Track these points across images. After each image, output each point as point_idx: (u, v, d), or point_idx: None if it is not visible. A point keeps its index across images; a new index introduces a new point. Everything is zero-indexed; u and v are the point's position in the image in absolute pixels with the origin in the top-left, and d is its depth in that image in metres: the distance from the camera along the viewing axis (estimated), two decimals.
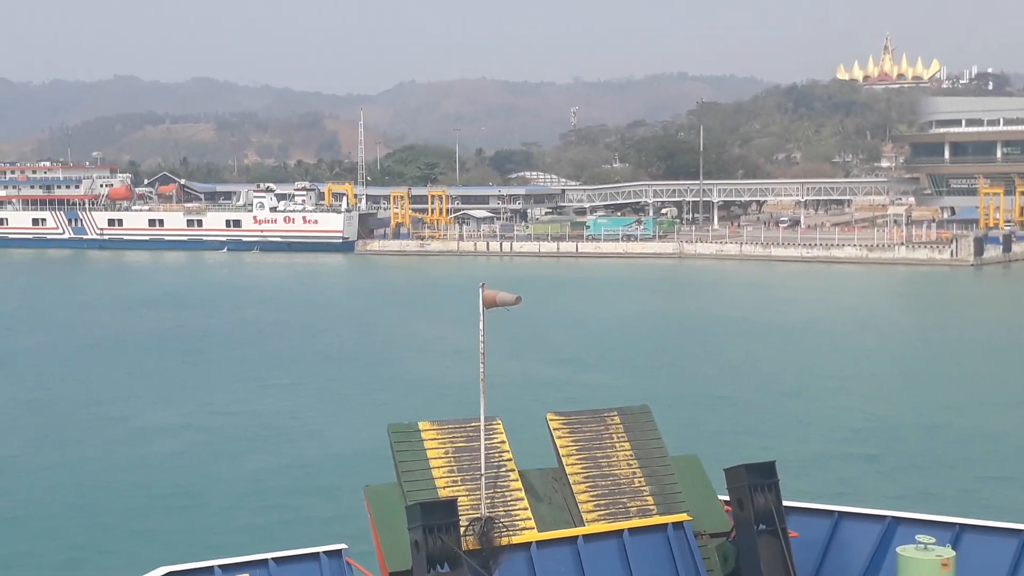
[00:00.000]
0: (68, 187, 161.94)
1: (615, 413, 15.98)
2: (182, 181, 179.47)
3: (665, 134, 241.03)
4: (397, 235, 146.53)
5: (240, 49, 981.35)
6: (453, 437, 14.93)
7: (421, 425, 14.99)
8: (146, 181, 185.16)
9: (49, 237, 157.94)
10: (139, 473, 36.38)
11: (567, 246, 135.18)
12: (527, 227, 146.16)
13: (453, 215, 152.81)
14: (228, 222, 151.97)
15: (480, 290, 14.31)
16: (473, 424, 14.92)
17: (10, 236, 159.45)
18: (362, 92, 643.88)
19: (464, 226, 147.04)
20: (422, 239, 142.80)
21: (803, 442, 40.41)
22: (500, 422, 15.19)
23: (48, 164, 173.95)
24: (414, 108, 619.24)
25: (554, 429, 15.46)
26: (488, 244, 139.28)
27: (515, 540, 13.93)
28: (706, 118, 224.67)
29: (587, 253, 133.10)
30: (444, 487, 14.38)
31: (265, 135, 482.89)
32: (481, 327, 14.33)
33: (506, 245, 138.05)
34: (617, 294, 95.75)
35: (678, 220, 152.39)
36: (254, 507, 32.88)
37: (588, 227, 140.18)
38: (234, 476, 36.25)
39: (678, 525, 14.65)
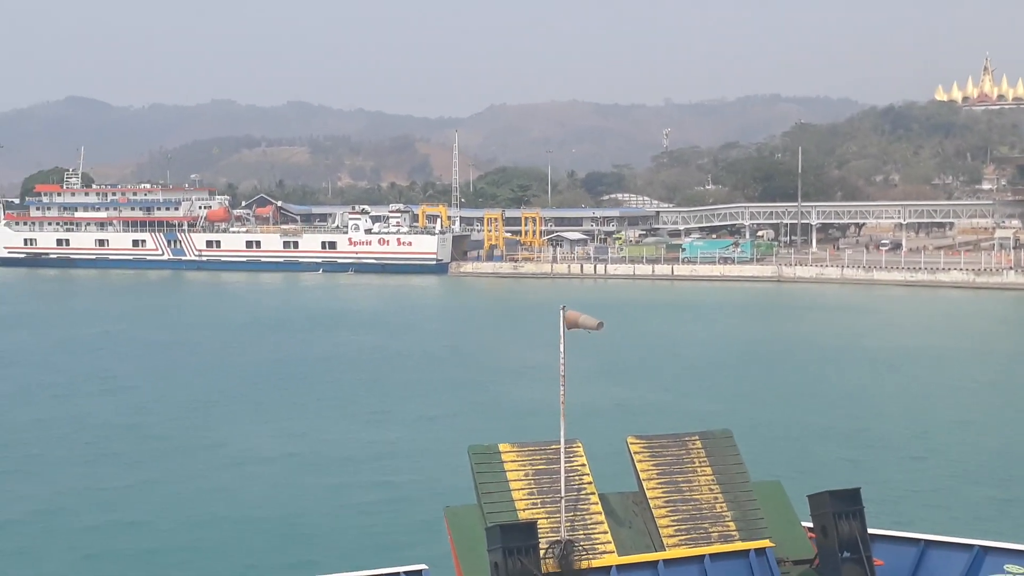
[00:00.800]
0: (168, 209, 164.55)
1: (696, 437, 15.98)
2: (279, 203, 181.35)
3: (759, 156, 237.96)
4: (491, 257, 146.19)
5: (334, 74, 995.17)
6: (533, 459, 15.00)
7: (501, 447, 15.07)
8: (243, 203, 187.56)
9: (149, 258, 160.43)
10: (232, 495, 36.39)
11: (663, 268, 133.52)
12: (621, 249, 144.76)
13: (546, 237, 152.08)
14: (324, 244, 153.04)
15: (561, 312, 14.41)
16: (553, 447, 14.96)
17: (111, 257, 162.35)
18: (453, 115, 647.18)
19: (558, 248, 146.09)
20: (516, 261, 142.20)
21: (893, 470, 39.08)
22: (580, 445, 15.25)
23: (148, 186, 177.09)
24: (504, 131, 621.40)
25: (635, 453, 15.49)
26: (582, 266, 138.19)
27: (595, 564, 13.93)
28: (801, 139, 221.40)
29: (683, 276, 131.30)
30: (524, 509, 14.43)
31: (358, 158, 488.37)
32: (561, 349, 14.40)
33: (600, 267, 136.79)
34: (712, 317, 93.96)
35: (776, 243, 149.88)
36: (336, 527, 33.01)
37: (684, 249, 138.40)
38: (320, 497, 36.15)
39: (760, 551, 14.47)
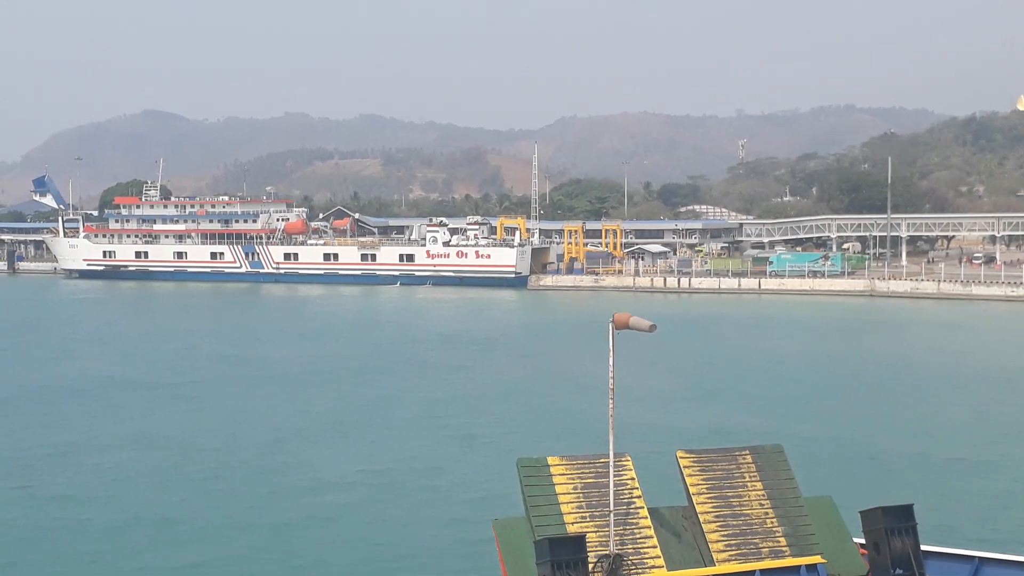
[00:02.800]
0: (246, 221, 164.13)
1: (747, 452, 15.85)
2: (356, 215, 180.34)
3: (839, 166, 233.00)
4: (571, 270, 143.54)
5: (406, 87, 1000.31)
6: (582, 473, 14.95)
7: (550, 460, 15.05)
8: (321, 215, 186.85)
9: (227, 271, 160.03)
10: (302, 509, 35.45)
11: (749, 282, 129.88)
12: (705, 263, 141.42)
13: (627, 250, 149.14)
14: (401, 256, 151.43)
15: (610, 326, 14.31)
16: (602, 460, 14.92)
17: (189, 269, 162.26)
18: (523, 127, 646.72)
19: (640, 261, 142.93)
20: (596, 274, 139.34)
21: (950, 487, 37.62)
22: (629, 458, 15.18)
23: (227, 198, 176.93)
24: (575, 143, 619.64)
25: (684, 467, 15.41)
26: (665, 280, 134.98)
27: None
28: (882, 150, 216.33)
29: (770, 290, 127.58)
30: (572, 523, 14.37)
31: (430, 170, 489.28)
32: (610, 363, 14.32)
33: (684, 281, 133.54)
34: (800, 333, 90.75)
35: (866, 256, 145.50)
36: (387, 538, 32.99)
37: (771, 262, 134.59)
38: (375, 508, 36.20)
39: (812, 567, 14.24)
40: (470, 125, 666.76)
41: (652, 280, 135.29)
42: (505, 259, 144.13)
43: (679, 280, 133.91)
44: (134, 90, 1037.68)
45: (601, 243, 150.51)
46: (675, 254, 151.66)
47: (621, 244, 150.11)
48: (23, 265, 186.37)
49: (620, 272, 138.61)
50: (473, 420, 51.31)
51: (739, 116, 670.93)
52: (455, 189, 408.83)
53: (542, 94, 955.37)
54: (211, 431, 48.90)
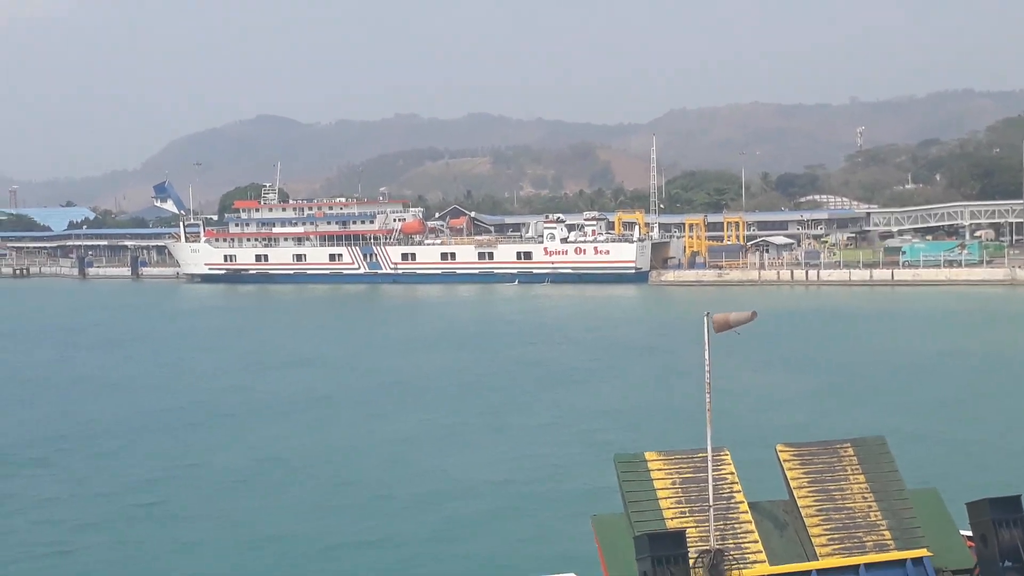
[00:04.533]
0: (363, 222, 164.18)
1: (848, 445, 15.59)
2: (472, 214, 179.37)
3: (964, 152, 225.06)
4: (692, 264, 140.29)
5: (513, 85, 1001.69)
6: (680, 467, 14.82)
7: (647, 455, 14.95)
8: (437, 215, 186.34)
9: (345, 272, 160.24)
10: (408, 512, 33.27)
11: (881, 273, 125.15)
12: (834, 254, 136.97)
13: (750, 242, 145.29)
14: (519, 254, 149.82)
15: (705, 319, 14.18)
16: (700, 455, 14.75)
17: (308, 272, 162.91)
18: (632, 121, 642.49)
19: (765, 254, 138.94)
20: (720, 268, 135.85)
21: None
22: (728, 452, 15.02)
23: (344, 200, 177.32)
24: (684, 135, 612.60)
25: (784, 460, 15.22)
26: (792, 272, 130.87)
27: (746, 573, 13.73)
28: (1006, 134, 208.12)
29: (904, 281, 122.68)
30: (672, 518, 14.27)
31: (539, 166, 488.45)
32: (706, 356, 14.17)
33: (812, 273, 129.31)
34: (931, 325, 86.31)
35: (1002, 243, 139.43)
36: (484, 533, 32.83)
37: (904, 252, 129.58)
38: (475, 504, 36.01)
39: (918, 561, 14.06)
40: (578, 121, 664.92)
41: (779, 273, 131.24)
42: (625, 254, 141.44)
43: (807, 272, 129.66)
44: (248, 96, 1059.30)
45: (723, 236, 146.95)
46: (799, 245, 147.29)
47: (744, 236, 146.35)
48: (146, 270, 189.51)
49: (745, 265, 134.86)
50: (595, 422, 49.34)
51: (853, 103, 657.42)
52: (565, 185, 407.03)
53: (651, 88, 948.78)
54: (337, 443, 47.51)
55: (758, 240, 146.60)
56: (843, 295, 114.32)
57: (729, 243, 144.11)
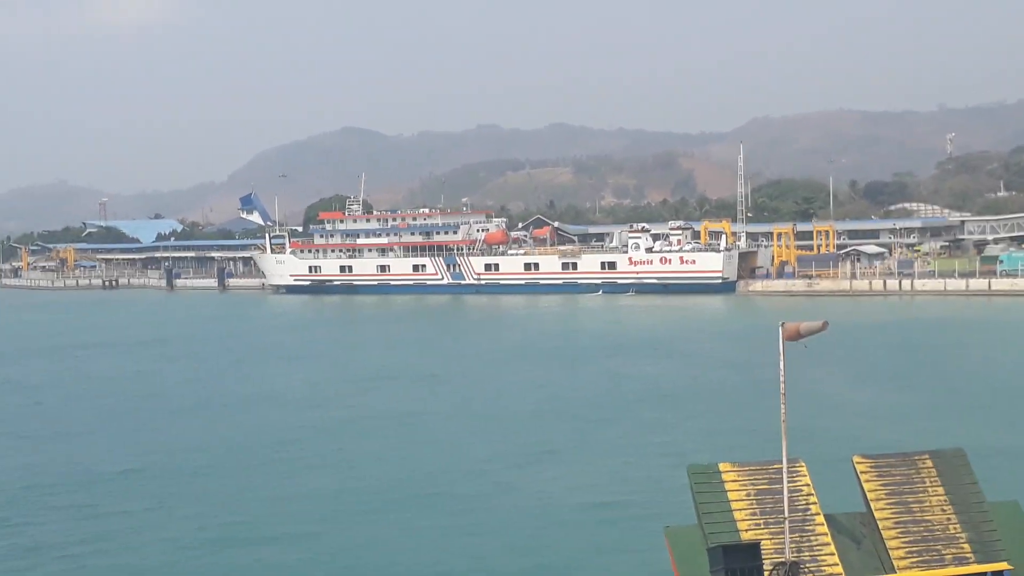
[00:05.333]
0: (446, 233, 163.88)
1: (927, 456, 15.38)
2: (555, 224, 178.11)
3: None
4: (781, 274, 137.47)
5: (594, 94, 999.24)
6: (755, 479, 14.63)
7: (721, 466, 14.79)
8: (519, 225, 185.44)
9: (429, 283, 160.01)
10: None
11: (977, 283, 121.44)
12: (928, 263, 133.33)
13: (840, 251, 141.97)
14: (603, 264, 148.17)
15: (780, 329, 14.03)
16: (775, 466, 14.63)
17: (392, 283, 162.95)
18: (715, 130, 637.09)
19: (856, 263, 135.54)
20: (810, 278, 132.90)
21: None
22: (803, 464, 14.89)
23: (427, 211, 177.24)
24: (768, 143, 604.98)
25: (861, 472, 15.07)
26: (885, 282, 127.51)
27: None
28: None
29: (1001, 291, 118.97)
30: (746, 529, 14.09)
31: (621, 176, 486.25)
32: (781, 366, 14.02)
33: (905, 283, 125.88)
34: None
35: None
36: (558, 544, 33.09)
37: (1001, 262, 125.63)
38: (544, 513, 36.31)
39: (998, 574, 13.91)
40: (659, 130, 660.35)
41: (871, 283, 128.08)
42: (711, 264, 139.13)
43: (900, 282, 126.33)
44: (332, 108, 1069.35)
45: (813, 245, 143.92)
46: (891, 255, 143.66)
47: (834, 245, 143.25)
48: (232, 282, 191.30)
49: (836, 275, 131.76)
50: (677, 434, 48.51)
51: (941, 110, 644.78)
52: (647, 195, 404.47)
53: (734, 96, 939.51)
54: (428, 461, 46.66)
55: (849, 249, 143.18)
56: (938, 305, 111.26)
57: (821, 252, 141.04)
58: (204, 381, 72.32)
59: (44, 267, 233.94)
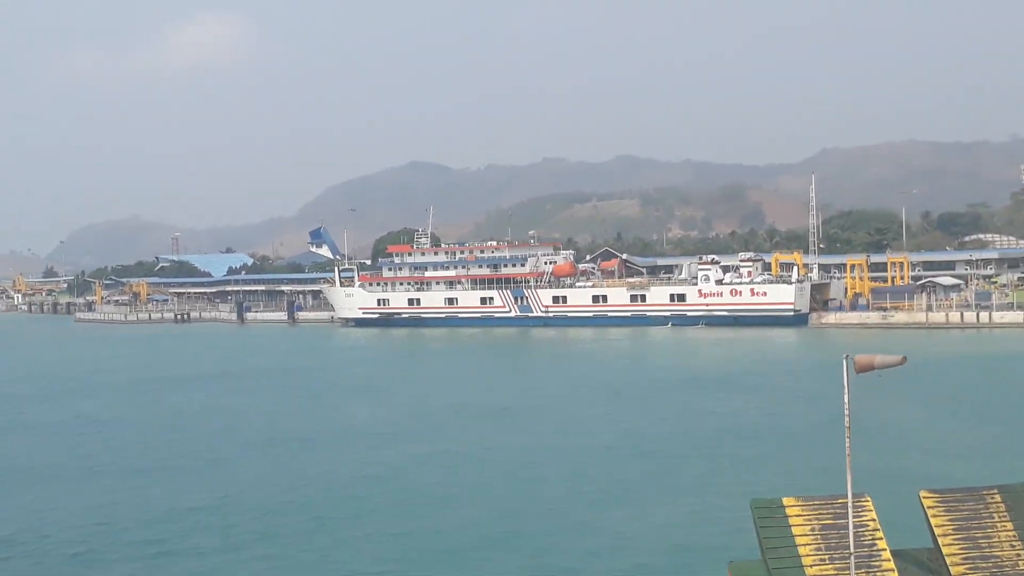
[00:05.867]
0: (514, 265, 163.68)
1: (996, 491, 15.01)
2: (623, 256, 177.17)
3: None
4: (855, 306, 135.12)
5: (660, 127, 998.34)
6: (819, 513, 14.56)
7: (785, 501, 14.73)
8: (587, 257, 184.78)
9: (496, 316, 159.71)
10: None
11: None
12: (1006, 295, 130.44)
13: (917, 283, 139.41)
14: (672, 296, 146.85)
15: (845, 361, 13.95)
16: (840, 500, 14.57)
17: (459, 315, 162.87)
18: (783, 161, 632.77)
19: (931, 295, 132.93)
20: (884, 310, 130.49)
21: None
22: (869, 499, 14.71)
23: (495, 243, 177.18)
24: (837, 174, 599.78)
25: (928, 507, 14.84)
26: (962, 314, 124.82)
27: None
28: None
29: None
30: (811, 565, 13.95)
31: (688, 208, 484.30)
32: (845, 400, 14.01)
33: (983, 315, 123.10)
34: None
35: None
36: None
37: None
38: (618, 550, 36.14)
39: None
40: (727, 162, 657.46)
41: (947, 315, 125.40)
42: (783, 296, 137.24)
43: (977, 314, 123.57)
44: (400, 143, 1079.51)
45: (887, 277, 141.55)
46: (967, 286, 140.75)
47: (909, 277, 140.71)
48: (301, 315, 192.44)
49: (911, 307, 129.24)
50: (750, 471, 47.11)
51: (1014, 140, 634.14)
52: (714, 226, 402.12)
53: (801, 127, 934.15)
54: (496, 496, 45.98)
55: (924, 281, 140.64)
56: (1017, 338, 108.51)
57: (896, 284, 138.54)
58: (278, 415, 72.27)
59: (118, 301, 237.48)
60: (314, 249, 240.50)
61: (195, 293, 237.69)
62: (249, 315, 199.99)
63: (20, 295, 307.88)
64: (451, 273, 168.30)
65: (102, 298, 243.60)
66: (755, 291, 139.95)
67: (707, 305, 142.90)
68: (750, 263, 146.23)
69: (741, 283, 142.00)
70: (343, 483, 48.35)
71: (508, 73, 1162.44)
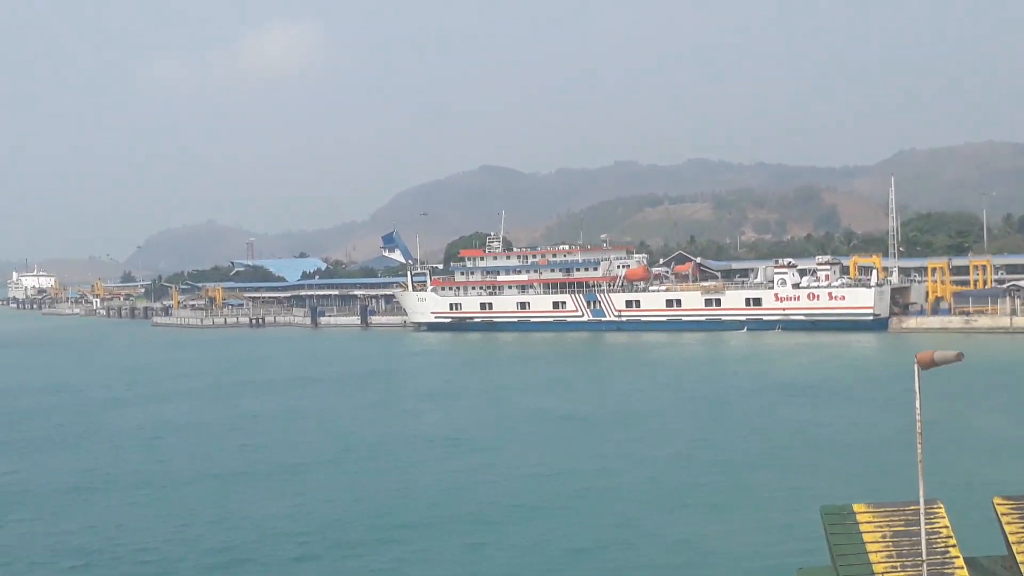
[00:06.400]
0: (587, 269, 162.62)
1: None
2: (698, 259, 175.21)
3: None
4: (936, 310, 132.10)
5: (733, 129, 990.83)
6: (891, 520, 14.10)
7: (856, 507, 14.40)
8: (660, 261, 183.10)
9: (569, 320, 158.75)
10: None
11: None
12: None
13: (1000, 287, 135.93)
14: (748, 300, 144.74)
15: (916, 367, 13.35)
16: (912, 507, 14.13)
17: (532, 319, 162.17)
18: (858, 163, 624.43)
19: (1017, 299, 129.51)
20: (967, 314, 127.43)
21: None
22: (942, 505, 14.21)
23: (567, 247, 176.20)
24: (914, 176, 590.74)
25: (1002, 514, 14.25)
26: None
27: None
28: None
29: None
30: (882, 572, 13.49)
31: (762, 211, 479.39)
32: (917, 405, 13.50)
33: None
34: None
35: None
36: None
37: None
38: (689, 558, 36.17)
39: None
40: (801, 164, 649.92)
41: None
42: (862, 300, 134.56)
43: None
44: (471, 147, 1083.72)
45: (969, 280, 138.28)
46: None
47: (992, 280, 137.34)
48: (374, 319, 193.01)
49: (995, 312, 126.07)
50: (836, 479, 45.90)
51: None
52: (789, 229, 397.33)
53: (877, 129, 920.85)
54: (572, 507, 45.22)
55: (1007, 284, 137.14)
56: None
57: (978, 287, 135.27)
58: (353, 421, 72.26)
59: (194, 305, 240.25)
60: (386, 253, 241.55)
61: (270, 298, 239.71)
62: (323, 319, 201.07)
63: (99, 300, 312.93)
64: (523, 277, 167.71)
65: (179, 303, 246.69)
66: (833, 295, 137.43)
67: (783, 309, 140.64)
68: (828, 267, 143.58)
69: (819, 287, 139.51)
70: (419, 491, 47.90)
71: (579, 78, 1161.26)
